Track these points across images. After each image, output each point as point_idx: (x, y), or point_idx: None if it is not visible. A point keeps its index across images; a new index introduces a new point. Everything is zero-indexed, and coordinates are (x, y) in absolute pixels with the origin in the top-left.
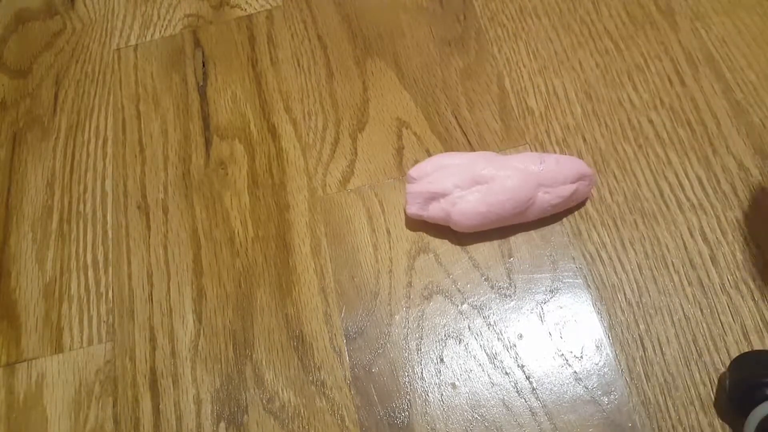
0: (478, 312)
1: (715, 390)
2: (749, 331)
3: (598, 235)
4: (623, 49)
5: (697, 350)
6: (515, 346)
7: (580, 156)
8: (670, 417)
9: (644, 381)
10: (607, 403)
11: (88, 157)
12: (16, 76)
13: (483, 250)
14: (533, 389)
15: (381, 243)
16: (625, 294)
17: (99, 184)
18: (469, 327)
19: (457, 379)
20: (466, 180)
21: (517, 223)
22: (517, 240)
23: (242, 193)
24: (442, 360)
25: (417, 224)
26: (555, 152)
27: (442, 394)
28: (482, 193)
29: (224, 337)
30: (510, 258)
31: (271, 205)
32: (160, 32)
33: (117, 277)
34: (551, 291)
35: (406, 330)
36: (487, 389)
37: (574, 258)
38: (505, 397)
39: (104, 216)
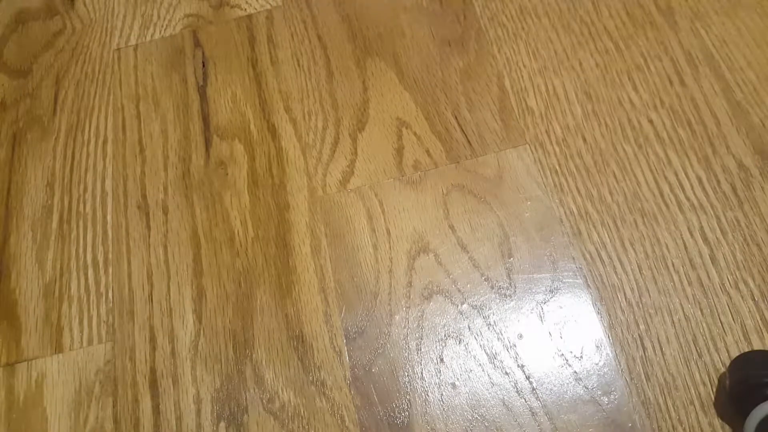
0: (478, 312)
1: (715, 390)
2: (749, 331)
3: (598, 235)
4: (623, 49)
5: (697, 350)
6: (515, 346)
7: (579, 156)
8: (670, 417)
9: (644, 381)
10: (607, 403)
11: (88, 157)
12: (16, 76)
13: (483, 250)
14: (533, 389)
15: (381, 243)
16: (625, 294)
17: (99, 184)
18: (469, 327)
19: (457, 379)
20: None
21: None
22: (517, 240)
23: (242, 193)
24: (442, 360)
25: (416, 224)
26: (555, 152)
27: (442, 394)
28: None
29: (224, 337)
30: (510, 258)
31: (271, 205)
32: (160, 32)
33: (117, 277)
34: (551, 291)
35: (406, 330)
36: (487, 389)
37: (574, 258)
38: (505, 397)
39: (104, 216)
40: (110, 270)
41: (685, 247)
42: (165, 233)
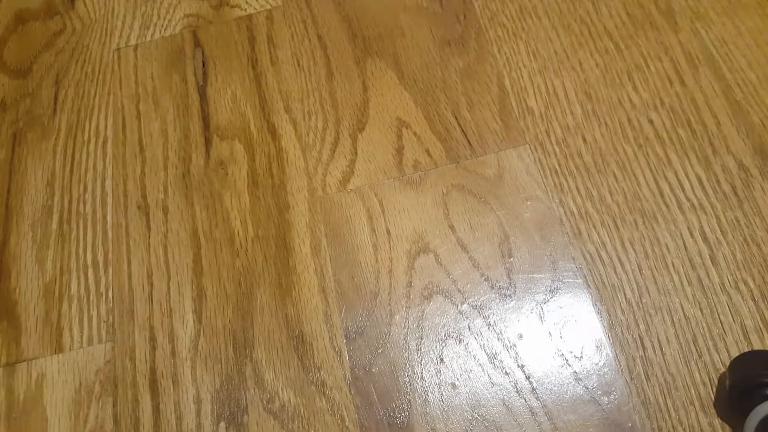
0: (478, 312)
1: (715, 390)
2: (749, 331)
3: (598, 235)
4: (623, 49)
5: (697, 350)
6: (515, 346)
7: (579, 156)
8: (670, 417)
9: (644, 381)
10: (607, 403)
11: (88, 157)
12: (16, 76)
13: (483, 250)
14: (533, 389)
15: (381, 243)
16: (625, 294)
17: (99, 184)
18: (469, 327)
19: (457, 379)
20: None
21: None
22: (517, 240)
23: (242, 193)
24: (442, 360)
25: (416, 224)
26: (555, 152)
27: (442, 394)
28: None
29: (224, 337)
30: (510, 258)
31: (271, 205)
32: (160, 32)
33: (117, 277)
34: (551, 291)
35: (406, 330)
36: (487, 389)
37: (574, 258)
38: (505, 397)
39: (104, 216)
40: (110, 270)
41: (685, 247)
42: (165, 233)
